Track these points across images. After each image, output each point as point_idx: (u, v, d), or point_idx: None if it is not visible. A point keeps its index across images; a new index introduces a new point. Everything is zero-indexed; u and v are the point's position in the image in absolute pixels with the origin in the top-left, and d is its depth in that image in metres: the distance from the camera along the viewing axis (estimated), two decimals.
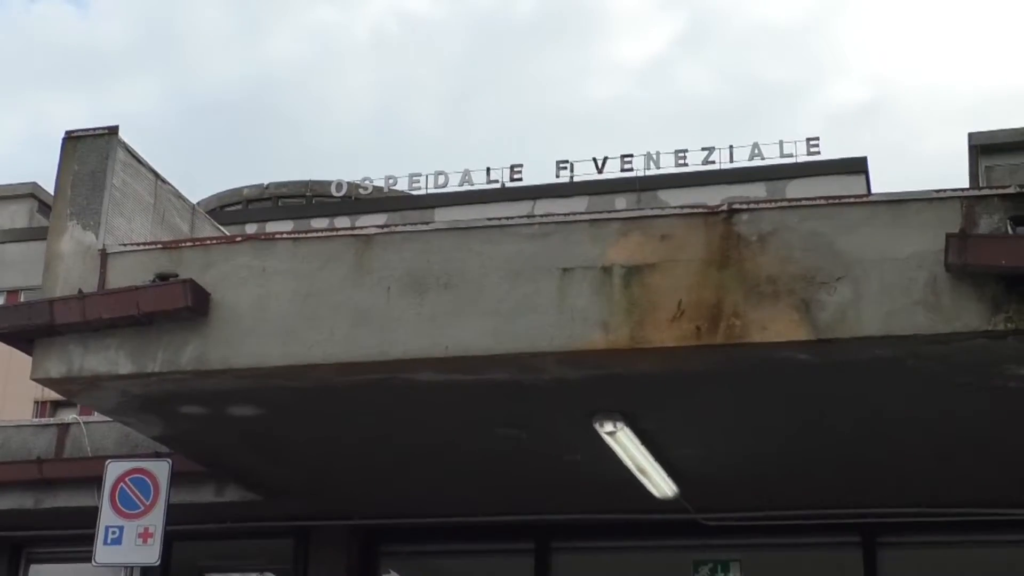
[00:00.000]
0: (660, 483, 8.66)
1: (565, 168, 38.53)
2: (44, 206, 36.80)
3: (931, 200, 6.58)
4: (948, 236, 6.32)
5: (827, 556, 10.11)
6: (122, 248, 7.67)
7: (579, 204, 32.82)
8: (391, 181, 40.70)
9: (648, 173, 37.25)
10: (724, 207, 6.79)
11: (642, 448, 7.99)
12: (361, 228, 7.42)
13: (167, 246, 7.66)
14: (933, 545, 9.79)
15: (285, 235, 7.44)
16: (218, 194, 46.57)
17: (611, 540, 10.22)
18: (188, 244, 7.69)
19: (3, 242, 36.89)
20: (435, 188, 39.79)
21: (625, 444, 7.86)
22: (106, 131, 7.98)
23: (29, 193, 40.25)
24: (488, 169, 38.86)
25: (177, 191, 8.52)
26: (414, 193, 39.95)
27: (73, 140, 8.00)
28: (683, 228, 6.79)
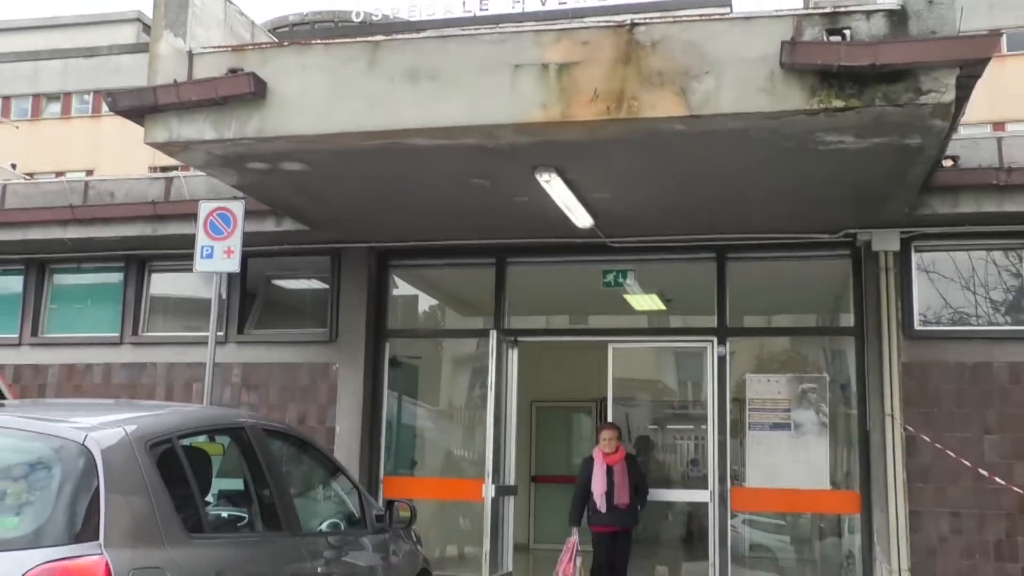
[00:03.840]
0: (581, 217, 8.75)
1: (519, 1, 37.59)
2: (146, 27, 35.49)
3: (772, 17, 6.47)
4: (782, 43, 6.27)
5: (692, 267, 10.31)
6: (203, 50, 7.46)
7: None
8: (395, 10, 39.53)
9: (576, 6, 36.38)
10: (628, 21, 6.66)
11: (569, 192, 8.04)
12: (372, 36, 7.24)
13: (235, 49, 7.45)
14: (764, 259, 10.00)
15: (319, 40, 7.25)
16: (270, 19, 45.02)
17: (547, 256, 10.36)
18: (250, 47, 7.48)
19: (119, 54, 35.74)
20: (427, 16, 38.71)
21: (557, 189, 7.91)
22: None
23: (135, 17, 38.74)
24: (464, 0, 37.91)
25: (240, 10, 8.22)
26: (411, 19, 38.86)
27: None
28: (599, 36, 6.65)
